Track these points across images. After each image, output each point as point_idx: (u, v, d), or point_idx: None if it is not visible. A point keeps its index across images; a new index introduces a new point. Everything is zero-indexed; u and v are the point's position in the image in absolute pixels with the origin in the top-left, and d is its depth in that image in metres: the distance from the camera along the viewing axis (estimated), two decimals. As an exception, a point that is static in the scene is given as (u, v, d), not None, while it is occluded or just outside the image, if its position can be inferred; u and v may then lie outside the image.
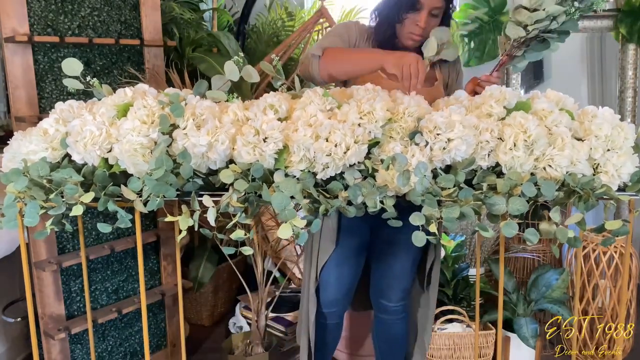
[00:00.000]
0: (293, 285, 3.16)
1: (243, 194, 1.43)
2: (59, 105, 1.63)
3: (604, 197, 1.47)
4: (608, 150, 1.51)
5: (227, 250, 1.55)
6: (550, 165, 1.46)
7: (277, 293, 2.78)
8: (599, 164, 1.51)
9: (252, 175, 1.44)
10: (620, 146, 1.50)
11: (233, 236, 1.45)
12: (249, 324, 2.98)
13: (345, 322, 2.79)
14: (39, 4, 2.21)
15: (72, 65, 1.63)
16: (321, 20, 2.94)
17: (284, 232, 1.37)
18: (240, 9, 3.87)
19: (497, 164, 1.50)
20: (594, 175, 1.50)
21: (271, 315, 2.97)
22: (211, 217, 1.42)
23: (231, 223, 1.43)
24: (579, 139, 1.54)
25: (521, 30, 1.74)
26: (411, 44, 1.94)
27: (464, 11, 3.48)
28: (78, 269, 2.40)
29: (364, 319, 2.75)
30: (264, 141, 1.45)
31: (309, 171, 1.46)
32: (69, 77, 1.65)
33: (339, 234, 2.04)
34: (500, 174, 1.49)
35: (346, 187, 1.45)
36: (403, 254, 2.06)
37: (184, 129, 1.46)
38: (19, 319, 2.64)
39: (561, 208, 1.47)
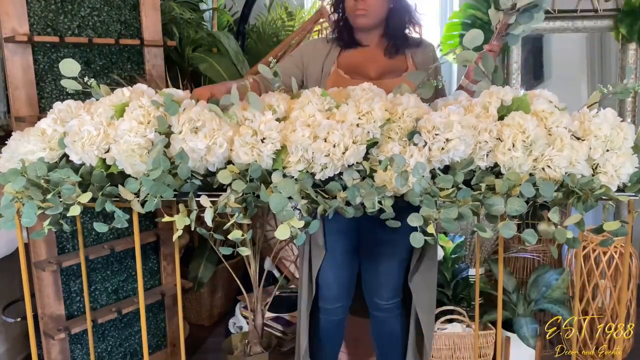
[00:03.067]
0: (293, 286, 3.16)
1: (241, 194, 1.43)
2: (57, 105, 1.63)
3: (603, 197, 1.47)
4: (607, 150, 1.50)
5: (225, 251, 1.55)
6: (549, 166, 1.45)
7: (275, 292, 2.78)
8: (598, 164, 1.51)
9: (250, 176, 1.44)
10: (619, 146, 1.49)
11: (231, 236, 1.44)
12: (249, 324, 2.98)
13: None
14: (39, 4, 2.21)
15: (69, 66, 1.63)
16: (321, 20, 2.94)
17: (281, 233, 1.36)
18: (240, 9, 3.86)
19: (496, 165, 1.49)
20: (593, 175, 1.50)
21: (270, 315, 2.96)
22: (208, 217, 1.42)
23: (229, 224, 1.43)
24: (578, 139, 1.53)
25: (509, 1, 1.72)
26: (361, 23, 1.95)
27: (464, 11, 3.47)
28: (78, 269, 2.40)
29: (363, 320, 2.75)
30: (262, 141, 1.45)
31: (307, 172, 1.45)
32: (67, 78, 1.65)
33: (325, 237, 2.05)
34: (499, 175, 1.48)
35: (344, 188, 1.45)
36: (390, 252, 2.05)
37: (180, 133, 1.46)
38: (18, 319, 2.64)
39: (561, 209, 1.47)
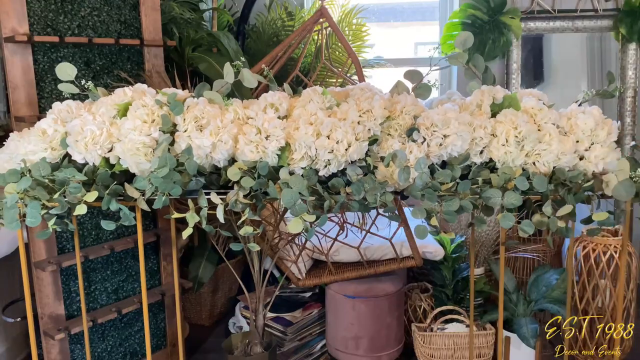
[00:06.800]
0: (293, 286, 3.15)
1: (249, 191, 1.45)
2: (56, 105, 1.63)
3: (593, 190, 1.52)
4: (592, 144, 1.59)
5: (235, 247, 1.56)
6: (538, 161, 1.52)
7: (276, 292, 2.78)
8: (584, 156, 1.59)
9: (258, 173, 1.45)
10: (604, 140, 1.58)
11: (242, 232, 1.46)
12: (249, 324, 2.98)
13: (345, 322, 2.79)
14: (38, 4, 2.21)
15: (66, 70, 1.63)
16: (321, 20, 2.93)
17: (294, 227, 1.38)
18: (240, 9, 3.87)
19: (491, 160, 1.55)
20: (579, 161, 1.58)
21: (271, 315, 2.96)
22: (220, 214, 1.44)
23: (241, 220, 1.45)
24: (566, 134, 1.61)
25: None
26: None
27: (464, 11, 3.48)
28: (78, 269, 2.40)
29: (363, 320, 2.75)
30: (266, 139, 1.47)
31: (311, 168, 1.48)
32: (64, 81, 1.65)
33: None
34: (493, 170, 1.54)
35: (347, 184, 1.47)
36: None
37: (185, 131, 1.47)
38: (18, 319, 2.64)
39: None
